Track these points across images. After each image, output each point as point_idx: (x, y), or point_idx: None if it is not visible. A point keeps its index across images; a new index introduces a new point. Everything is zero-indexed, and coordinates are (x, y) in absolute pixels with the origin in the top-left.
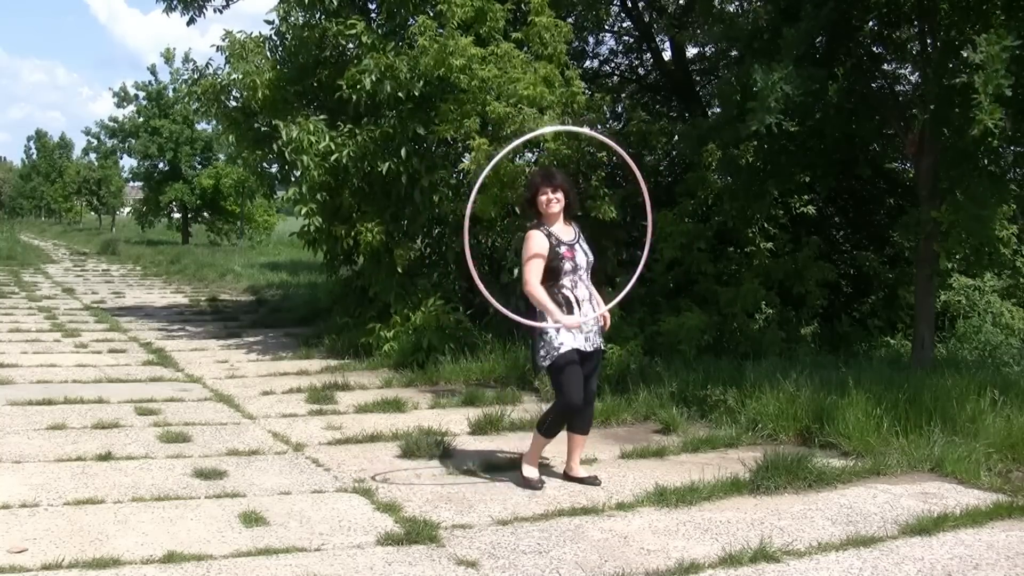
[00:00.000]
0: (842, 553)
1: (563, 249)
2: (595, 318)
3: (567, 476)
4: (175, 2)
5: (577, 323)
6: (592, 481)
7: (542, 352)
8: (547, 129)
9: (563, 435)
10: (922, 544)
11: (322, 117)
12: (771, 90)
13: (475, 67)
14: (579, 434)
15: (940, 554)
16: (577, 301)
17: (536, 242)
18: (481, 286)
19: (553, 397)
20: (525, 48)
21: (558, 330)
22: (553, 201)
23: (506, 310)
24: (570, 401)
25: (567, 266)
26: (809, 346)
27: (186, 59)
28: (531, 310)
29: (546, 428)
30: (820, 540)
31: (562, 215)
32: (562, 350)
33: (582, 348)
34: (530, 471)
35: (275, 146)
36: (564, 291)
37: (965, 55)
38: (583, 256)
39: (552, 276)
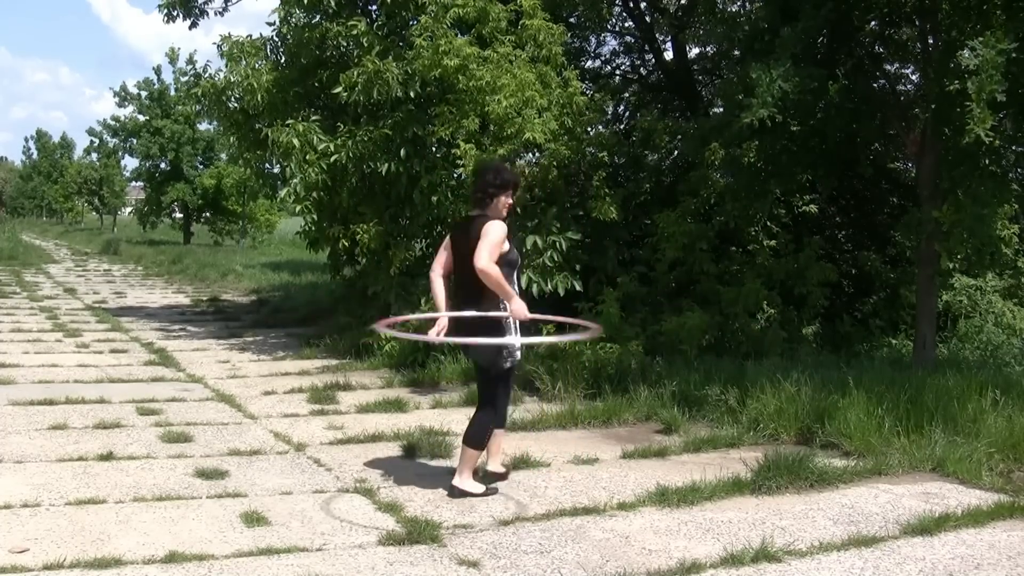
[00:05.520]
0: (844, 553)
1: (514, 242)
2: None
3: (494, 473)
4: (175, 10)
5: (528, 316)
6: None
7: (504, 352)
8: None
9: (567, 436)
10: (924, 544)
11: (315, 119)
12: (768, 87)
13: (472, 67)
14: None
15: (942, 554)
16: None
17: (504, 232)
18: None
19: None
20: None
21: (510, 325)
22: (511, 204)
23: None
24: (502, 414)
25: (517, 260)
26: (811, 346)
27: (190, 60)
28: (472, 306)
29: (479, 440)
30: (822, 540)
31: None
32: (517, 355)
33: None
34: (472, 485)
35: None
36: (514, 286)
37: (961, 59)
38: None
39: (509, 268)
